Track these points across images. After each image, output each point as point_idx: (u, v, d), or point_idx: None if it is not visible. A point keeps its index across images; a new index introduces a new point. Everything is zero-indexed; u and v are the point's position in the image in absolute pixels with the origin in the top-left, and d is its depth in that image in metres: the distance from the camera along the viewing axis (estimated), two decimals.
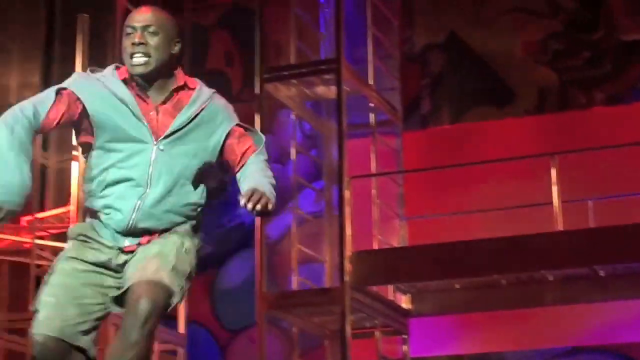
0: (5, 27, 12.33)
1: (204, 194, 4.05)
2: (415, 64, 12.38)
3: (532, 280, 10.39)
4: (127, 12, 10.93)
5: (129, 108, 3.93)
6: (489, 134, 11.64)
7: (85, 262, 3.90)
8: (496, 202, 10.51)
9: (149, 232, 3.93)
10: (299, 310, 10.66)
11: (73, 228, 4.03)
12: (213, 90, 4.16)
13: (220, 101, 4.15)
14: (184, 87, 4.06)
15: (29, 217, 11.18)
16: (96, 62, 11.47)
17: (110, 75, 4.01)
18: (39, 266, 10.93)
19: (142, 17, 4.00)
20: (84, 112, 3.93)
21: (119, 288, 3.84)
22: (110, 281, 3.90)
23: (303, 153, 11.68)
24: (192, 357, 11.77)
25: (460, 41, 12.24)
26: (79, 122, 3.96)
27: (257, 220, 10.40)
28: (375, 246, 10.85)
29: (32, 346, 3.82)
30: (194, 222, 4.04)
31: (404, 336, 11.14)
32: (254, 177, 3.96)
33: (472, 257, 10.05)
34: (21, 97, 11.83)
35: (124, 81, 3.99)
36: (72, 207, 11.12)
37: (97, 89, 3.95)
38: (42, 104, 3.89)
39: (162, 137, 3.92)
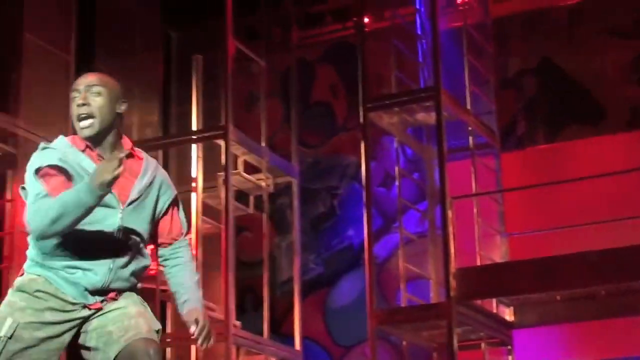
0: (127, 70, 12.30)
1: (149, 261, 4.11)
2: (509, 89, 12.33)
3: (630, 290, 10.31)
4: (238, 52, 11.35)
5: None
6: (583, 152, 11.55)
7: (45, 324, 3.83)
8: (592, 217, 10.44)
9: (115, 292, 3.94)
10: (408, 325, 10.68)
11: (27, 283, 3.90)
12: (155, 160, 4.15)
13: (162, 172, 4.14)
14: (130, 153, 3.99)
15: (152, 246, 11.56)
16: (210, 99, 11.92)
17: (68, 148, 3.95)
18: (163, 291, 10.91)
19: (85, 79, 3.99)
20: (67, 180, 3.90)
21: (84, 345, 3.90)
22: (67, 337, 3.89)
23: (406, 176, 11.75)
24: None
25: (552, 65, 12.17)
26: None
27: (366, 241, 10.53)
28: (478, 262, 10.83)
29: None
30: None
31: (508, 347, 11.10)
32: (192, 289, 4.14)
33: (571, 269, 10.01)
34: (142, 134, 12.30)
35: (83, 150, 3.96)
36: (192, 235, 11.48)
37: (69, 164, 3.90)
38: (42, 191, 3.84)
39: (126, 204, 3.92)
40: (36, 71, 11.47)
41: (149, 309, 4.04)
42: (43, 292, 3.86)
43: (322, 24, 13.41)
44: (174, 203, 4.16)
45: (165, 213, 4.12)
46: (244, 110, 12.60)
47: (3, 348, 3.78)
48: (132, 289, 4.05)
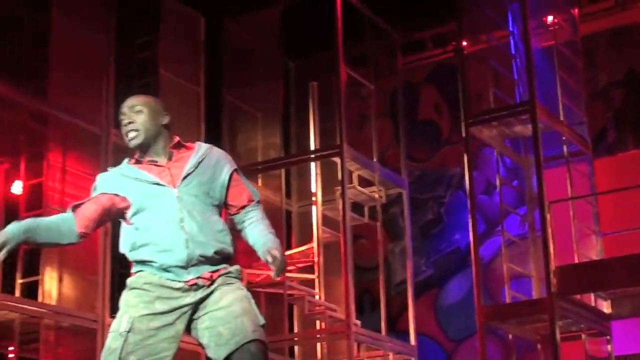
0: (251, 98, 12.81)
1: (226, 225, 4.17)
2: (599, 100, 12.37)
3: None
4: (349, 78, 11.64)
5: (144, 180, 4.10)
6: None
7: (157, 315, 3.96)
8: None
9: (204, 261, 4.01)
10: (513, 320, 10.77)
11: (135, 280, 4.05)
12: (209, 145, 4.30)
13: (218, 150, 4.29)
14: (180, 146, 4.20)
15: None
16: (326, 121, 12.24)
17: (124, 166, 4.18)
18: (289, 295, 11.33)
19: (128, 103, 4.20)
20: (118, 198, 4.11)
21: (198, 341, 3.99)
22: (180, 326, 3.99)
23: (506, 184, 11.83)
24: None
25: (637, 76, 12.19)
26: (118, 208, 4.13)
27: (471, 244, 10.69)
28: (576, 260, 10.85)
29: None
30: (231, 254, 4.16)
31: (607, 337, 11.10)
32: (269, 238, 4.15)
33: None
34: (266, 155, 12.71)
35: (136, 162, 4.17)
36: (314, 244, 11.79)
37: (120, 178, 4.13)
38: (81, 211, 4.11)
39: (180, 184, 4.07)
40: (172, 103, 11.89)
41: (252, 301, 4.04)
42: (149, 283, 4.00)
43: (424, 49, 13.65)
44: (236, 173, 4.26)
45: (229, 183, 4.21)
46: (356, 130, 12.86)
47: (125, 342, 3.92)
48: (220, 256, 4.10)
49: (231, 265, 4.19)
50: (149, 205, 4.08)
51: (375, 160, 12.17)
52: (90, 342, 10.08)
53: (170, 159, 4.17)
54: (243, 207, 4.27)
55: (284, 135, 12.99)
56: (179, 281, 4.00)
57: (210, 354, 3.97)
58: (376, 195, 11.97)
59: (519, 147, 11.98)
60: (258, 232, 4.23)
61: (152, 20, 12.06)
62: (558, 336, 10.02)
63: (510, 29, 11.89)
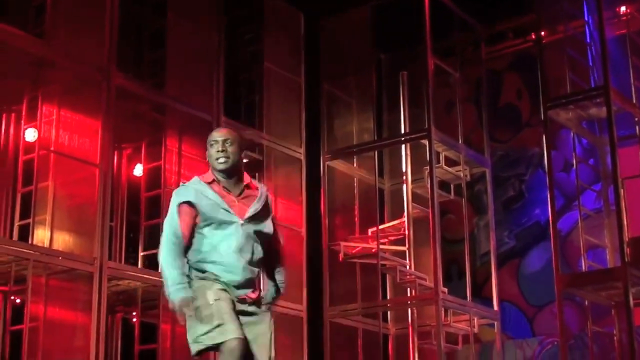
0: (346, 87, 12.87)
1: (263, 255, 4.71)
2: None
3: None
4: (437, 67, 11.63)
5: (217, 202, 4.60)
6: None
7: (221, 290, 4.55)
8: None
9: (249, 285, 4.61)
10: (589, 287, 10.67)
11: (208, 275, 4.61)
12: (266, 187, 4.86)
13: (269, 196, 4.83)
14: (249, 186, 4.73)
15: (373, 229, 11.65)
16: (415, 107, 12.26)
17: (197, 184, 4.66)
18: (382, 265, 11.43)
19: (221, 134, 4.70)
20: (195, 211, 4.61)
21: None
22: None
23: (583, 162, 11.67)
24: (506, 328, 12.17)
25: None
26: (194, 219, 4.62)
27: (550, 218, 10.59)
28: None
29: (229, 350, 4.36)
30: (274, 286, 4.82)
31: None
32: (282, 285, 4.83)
33: None
34: (361, 139, 12.76)
35: (209, 183, 4.67)
36: (405, 219, 11.88)
37: (198, 195, 4.62)
38: (175, 226, 4.59)
39: (245, 219, 4.61)
40: (274, 93, 12.10)
41: (273, 332, 4.65)
42: (208, 280, 4.59)
43: (505, 39, 13.50)
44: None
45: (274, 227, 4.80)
46: (443, 115, 12.77)
47: (216, 305, 4.47)
48: (268, 300, 4.75)
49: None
50: (219, 229, 4.62)
51: (460, 141, 12.15)
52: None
53: (240, 194, 4.67)
54: (277, 246, 4.85)
55: (377, 120, 12.94)
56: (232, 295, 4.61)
57: None
58: (461, 174, 11.97)
59: (594, 128, 11.86)
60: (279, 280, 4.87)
61: (257, 18, 12.23)
62: (631, 302, 9.92)
63: (586, 19, 11.71)
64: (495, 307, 11.87)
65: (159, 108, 10.70)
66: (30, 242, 9.03)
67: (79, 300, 8.72)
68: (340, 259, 11.75)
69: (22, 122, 9.84)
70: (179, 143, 10.65)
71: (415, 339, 11.44)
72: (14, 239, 9.55)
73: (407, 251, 12.00)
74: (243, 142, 4.76)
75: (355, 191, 12.53)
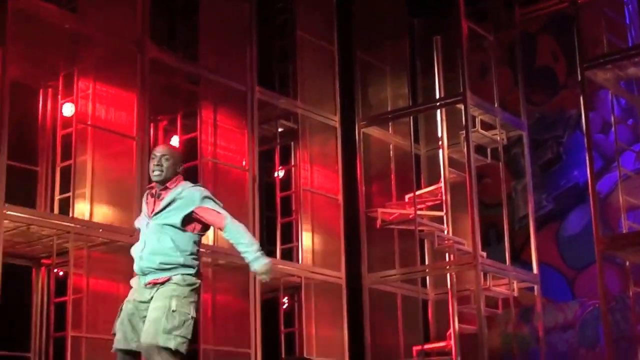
0: (380, 53, 12.82)
1: (184, 244, 5.24)
2: None
3: None
4: (471, 31, 11.49)
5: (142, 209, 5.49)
6: None
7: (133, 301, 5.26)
8: None
9: (151, 272, 5.21)
10: (630, 248, 10.57)
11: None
12: (191, 185, 5.39)
13: (191, 191, 5.33)
14: (168, 188, 5.36)
15: (410, 195, 11.67)
16: (450, 71, 12.13)
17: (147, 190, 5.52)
18: (420, 231, 11.46)
19: (160, 150, 5.42)
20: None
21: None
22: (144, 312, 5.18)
23: (621, 123, 11.57)
24: (546, 291, 12.04)
25: None
26: None
27: (590, 179, 10.57)
28: None
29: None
30: (181, 266, 5.22)
31: None
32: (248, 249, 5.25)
33: None
34: (395, 105, 12.70)
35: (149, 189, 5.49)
36: (441, 184, 11.79)
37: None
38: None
39: (153, 215, 5.32)
40: (308, 61, 12.04)
41: (178, 305, 5.12)
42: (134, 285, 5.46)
43: (539, 0, 13.27)
44: (203, 207, 5.30)
45: (197, 213, 5.29)
46: (478, 79, 12.69)
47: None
48: (171, 277, 5.20)
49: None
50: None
51: (496, 105, 12.05)
52: (244, 277, 10.30)
53: (159, 197, 5.37)
54: (222, 228, 5.32)
55: (411, 86, 12.85)
56: (143, 284, 5.34)
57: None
58: (498, 138, 11.88)
59: (633, 87, 11.73)
60: (239, 249, 5.34)
61: None
62: None
63: None
64: (535, 271, 11.83)
65: (193, 79, 10.69)
66: (70, 215, 9.11)
67: (119, 271, 8.80)
68: (378, 226, 11.76)
69: (59, 97, 9.91)
70: (214, 114, 10.65)
71: (455, 304, 11.41)
72: (55, 212, 9.63)
73: (444, 216, 11.96)
74: (179, 157, 5.44)
75: (391, 157, 12.53)
